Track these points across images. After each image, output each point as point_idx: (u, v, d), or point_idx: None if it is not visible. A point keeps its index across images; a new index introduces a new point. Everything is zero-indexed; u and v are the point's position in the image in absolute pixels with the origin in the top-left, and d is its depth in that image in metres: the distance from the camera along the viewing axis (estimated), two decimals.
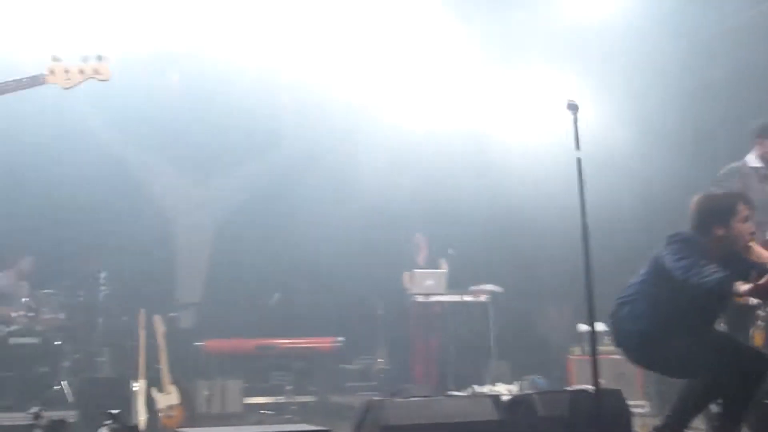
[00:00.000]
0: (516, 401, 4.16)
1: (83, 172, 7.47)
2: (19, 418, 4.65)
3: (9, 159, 7.05)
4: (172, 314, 7.15)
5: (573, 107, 3.74)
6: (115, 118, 7.94)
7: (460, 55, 7.91)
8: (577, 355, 6.99)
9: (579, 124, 3.71)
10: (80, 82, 3.43)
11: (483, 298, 7.64)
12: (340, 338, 7.24)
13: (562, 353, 7.32)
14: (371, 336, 8.10)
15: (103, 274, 6.92)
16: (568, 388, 6.10)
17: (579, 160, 3.62)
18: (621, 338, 4.05)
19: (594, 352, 3.61)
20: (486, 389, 7.12)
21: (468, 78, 8.08)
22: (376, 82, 7.93)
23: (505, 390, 6.95)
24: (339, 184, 8.46)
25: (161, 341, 6.31)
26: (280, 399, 7.33)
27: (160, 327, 6.37)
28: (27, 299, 6.52)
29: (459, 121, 8.23)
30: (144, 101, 7.80)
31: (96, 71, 3.44)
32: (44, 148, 7.37)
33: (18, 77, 3.34)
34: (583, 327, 7.10)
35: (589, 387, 3.89)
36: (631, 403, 4.39)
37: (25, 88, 3.37)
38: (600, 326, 6.62)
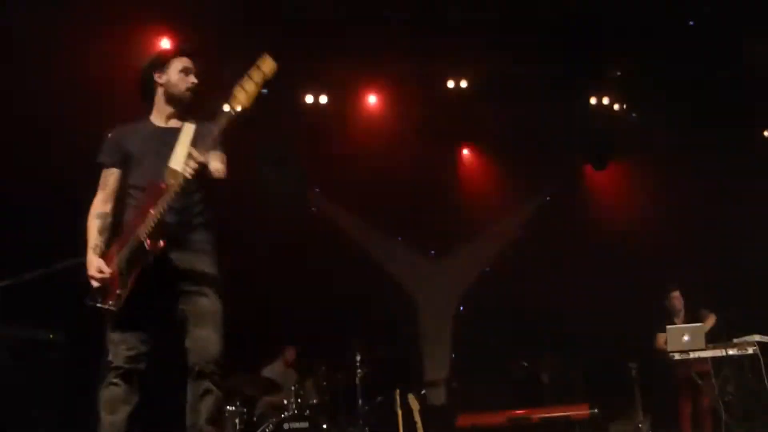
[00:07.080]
0: None
1: (330, 261, 8.03)
2: None
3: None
4: (423, 392, 7.29)
5: None
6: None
7: None
8: None
9: None
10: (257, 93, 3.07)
11: (750, 350, 6.93)
12: (596, 406, 6.94)
13: None
14: (628, 400, 7.68)
15: (357, 357, 7.28)
16: None
17: None
18: None
19: None
20: None
21: None
22: None
23: None
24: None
25: (417, 419, 6.44)
26: None
27: (415, 405, 6.52)
28: (295, 386, 6.97)
29: None
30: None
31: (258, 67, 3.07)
32: (286, 236, 8.01)
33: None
34: None
35: None
36: None
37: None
38: None
